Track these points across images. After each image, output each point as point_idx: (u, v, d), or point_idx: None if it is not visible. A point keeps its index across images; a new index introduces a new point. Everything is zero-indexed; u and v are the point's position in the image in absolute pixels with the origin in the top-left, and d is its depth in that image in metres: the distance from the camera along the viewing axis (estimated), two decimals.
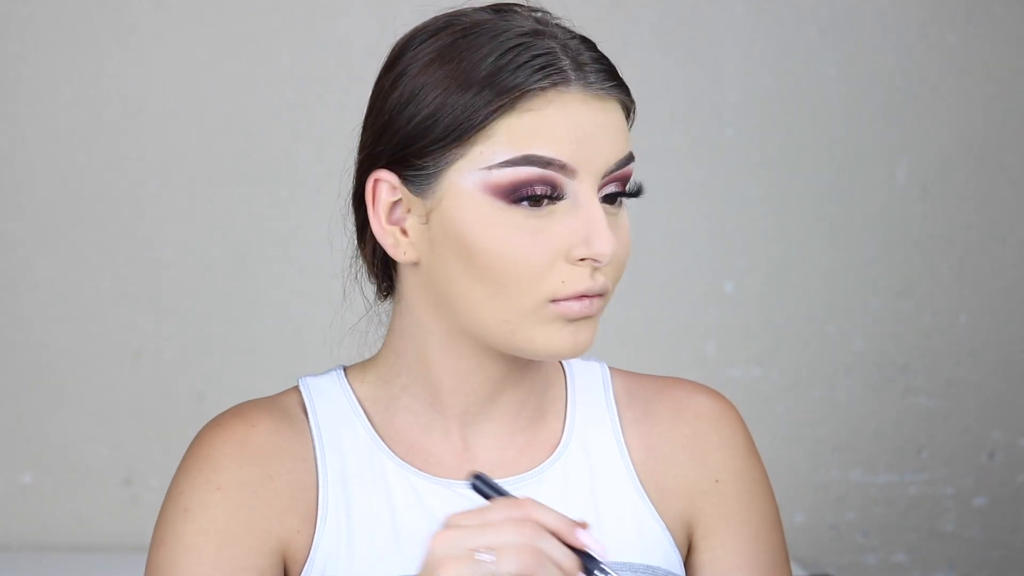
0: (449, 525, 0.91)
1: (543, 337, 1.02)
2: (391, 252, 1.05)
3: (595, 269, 1.02)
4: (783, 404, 2.24)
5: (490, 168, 1.00)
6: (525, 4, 1.07)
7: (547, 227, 1.01)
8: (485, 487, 0.94)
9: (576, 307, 1.02)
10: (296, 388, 1.12)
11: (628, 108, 1.05)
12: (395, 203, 1.04)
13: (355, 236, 1.11)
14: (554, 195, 1.01)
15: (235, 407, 1.10)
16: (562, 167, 1.00)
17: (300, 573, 1.06)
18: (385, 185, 1.04)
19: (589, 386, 1.15)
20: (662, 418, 1.15)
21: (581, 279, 1.01)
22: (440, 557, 0.90)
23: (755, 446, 1.17)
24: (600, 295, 1.03)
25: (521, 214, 1.00)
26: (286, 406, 1.11)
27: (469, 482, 0.95)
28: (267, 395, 1.13)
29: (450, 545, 0.90)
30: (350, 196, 1.10)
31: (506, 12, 1.06)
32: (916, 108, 2.23)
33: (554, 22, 1.06)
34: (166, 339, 2.17)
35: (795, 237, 2.23)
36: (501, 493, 0.94)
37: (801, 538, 2.25)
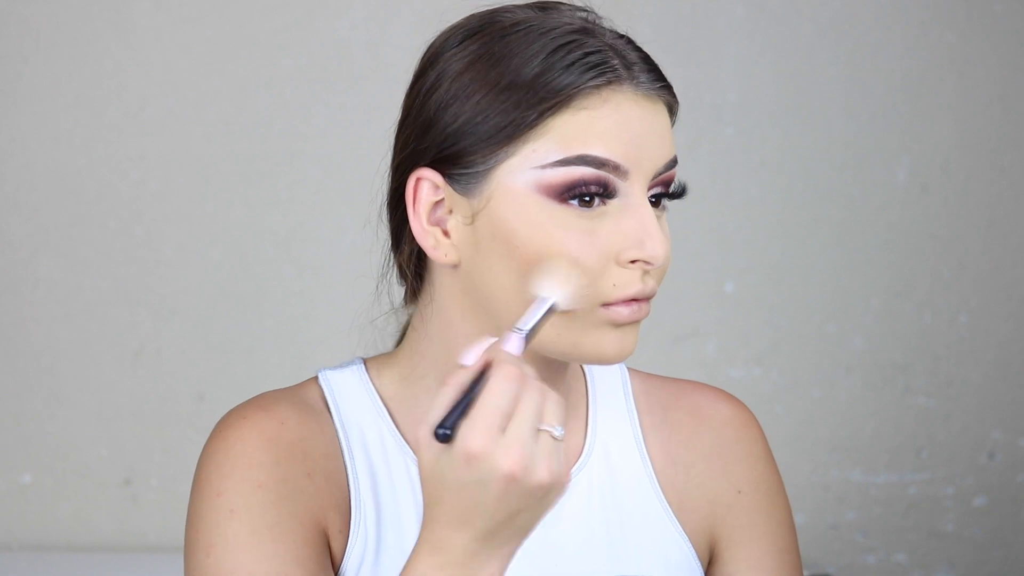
0: (475, 448, 0.87)
1: (589, 342, 1.00)
2: (431, 253, 1.02)
3: (645, 272, 0.99)
4: (783, 404, 2.24)
5: (543, 167, 0.98)
6: (568, 2, 1.05)
7: (598, 228, 0.98)
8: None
9: (626, 312, 1.00)
10: (315, 381, 1.10)
11: (672, 109, 1.04)
12: (436, 203, 1.01)
13: (389, 239, 1.07)
14: (605, 194, 0.98)
15: (256, 399, 1.07)
16: (615, 168, 0.98)
17: (336, 571, 1.05)
18: (427, 184, 1.01)
19: (609, 390, 1.14)
20: (682, 426, 1.14)
21: (632, 282, 0.99)
22: (519, 468, 0.87)
23: (771, 453, 1.16)
24: (648, 299, 1.01)
25: (572, 214, 0.98)
26: (309, 400, 1.08)
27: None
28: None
29: (516, 452, 0.87)
30: (386, 197, 1.07)
31: (551, 9, 1.03)
32: (916, 108, 2.22)
33: (599, 21, 1.04)
34: (166, 339, 2.16)
35: (795, 237, 2.23)
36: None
37: (801, 538, 2.23)
